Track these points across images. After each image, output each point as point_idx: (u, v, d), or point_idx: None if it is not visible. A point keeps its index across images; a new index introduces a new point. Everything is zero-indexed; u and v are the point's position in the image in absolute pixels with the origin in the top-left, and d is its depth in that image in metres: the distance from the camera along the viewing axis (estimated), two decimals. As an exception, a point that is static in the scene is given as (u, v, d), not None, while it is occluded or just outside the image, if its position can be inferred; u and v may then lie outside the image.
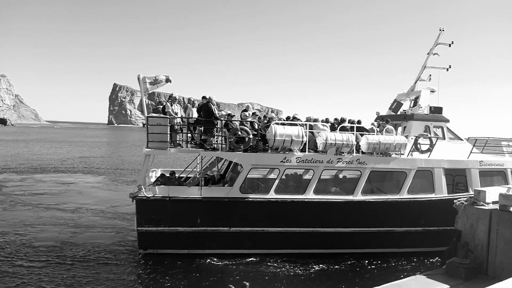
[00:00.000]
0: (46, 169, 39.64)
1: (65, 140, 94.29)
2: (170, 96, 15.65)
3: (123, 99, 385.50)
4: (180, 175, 17.55)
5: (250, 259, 14.20)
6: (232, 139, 13.97)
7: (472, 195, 11.39)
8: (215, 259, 13.97)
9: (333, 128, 15.98)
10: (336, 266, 14.29)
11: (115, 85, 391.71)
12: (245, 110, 16.50)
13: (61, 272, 12.73)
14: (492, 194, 10.99)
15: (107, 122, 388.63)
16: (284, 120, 15.82)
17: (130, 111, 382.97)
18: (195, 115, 15.66)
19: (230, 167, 18.37)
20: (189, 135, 15.20)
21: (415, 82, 20.51)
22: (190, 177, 17.41)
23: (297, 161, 14.48)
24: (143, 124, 15.65)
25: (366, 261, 14.85)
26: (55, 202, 23.86)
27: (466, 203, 11.06)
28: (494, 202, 10.81)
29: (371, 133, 15.86)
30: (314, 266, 14.08)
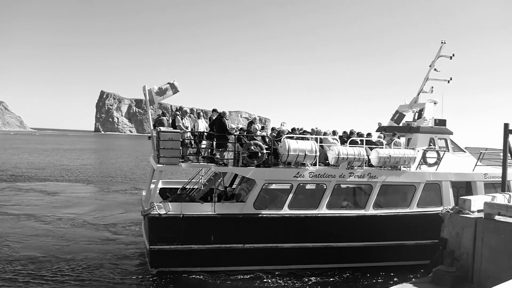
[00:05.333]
0: (30, 178, 38.31)
1: (50, 149, 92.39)
2: (180, 108, 15.35)
3: (110, 107, 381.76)
4: (184, 186, 17.37)
5: (248, 275, 13.88)
6: (245, 154, 13.78)
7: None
8: (226, 276, 13.67)
9: (342, 141, 15.96)
10: (331, 279, 14.18)
11: (102, 92, 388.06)
12: (252, 123, 16.31)
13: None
14: (477, 202, 11.18)
15: (93, 130, 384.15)
16: (289, 132, 15.72)
17: (117, 118, 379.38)
18: (201, 126, 15.42)
19: (236, 181, 18.19)
20: (195, 149, 14.91)
21: (418, 94, 20.65)
22: (194, 188, 17.23)
23: (310, 175, 14.38)
24: (149, 137, 15.35)
25: (367, 274, 14.78)
26: (41, 213, 22.86)
27: (452, 211, 11.17)
28: (479, 211, 10.97)
29: (379, 147, 15.88)
30: (311, 278, 14.00)
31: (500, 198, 11.87)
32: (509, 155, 20.29)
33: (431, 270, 10.77)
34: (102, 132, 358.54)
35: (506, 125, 14.29)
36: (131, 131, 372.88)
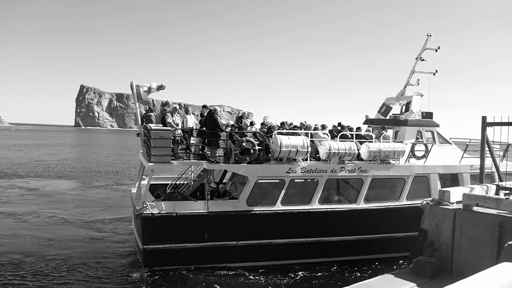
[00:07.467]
0: (9, 174, 37.16)
1: (30, 144, 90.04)
2: (166, 103, 15.02)
3: (91, 101, 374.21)
4: (175, 183, 17.18)
5: (241, 271, 13.82)
6: (237, 151, 13.66)
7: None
8: (218, 272, 13.55)
9: (332, 136, 15.98)
10: (319, 274, 14.20)
11: (82, 87, 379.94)
12: (241, 118, 16.14)
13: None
14: (456, 194, 11.31)
15: (73, 125, 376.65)
16: (279, 126, 15.65)
17: (98, 113, 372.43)
18: (190, 122, 15.19)
19: (227, 176, 18.05)
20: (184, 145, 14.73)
21: (405, 87, 20.79)
22: (184, 184, 17.07)
23: (302, 171, 14.37)
24: (137, 134, 15.13)
25: (353, 266, 14.89)
26: (21, 210, 22.16)
27: (432, 203, 11.36)
28: (458, 202, 11.11)
29: (369, 140, 15.97)
30: (299, 273, 14.01)
31: (478, 190, 12.07)
32: (491, 147, 20.93)
33: (412, 261, 10.94)
34: (83, 127, 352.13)
35: (484, 118, 14.55)
36: (112, 126, 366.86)
